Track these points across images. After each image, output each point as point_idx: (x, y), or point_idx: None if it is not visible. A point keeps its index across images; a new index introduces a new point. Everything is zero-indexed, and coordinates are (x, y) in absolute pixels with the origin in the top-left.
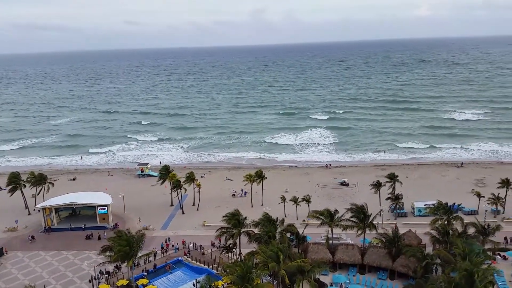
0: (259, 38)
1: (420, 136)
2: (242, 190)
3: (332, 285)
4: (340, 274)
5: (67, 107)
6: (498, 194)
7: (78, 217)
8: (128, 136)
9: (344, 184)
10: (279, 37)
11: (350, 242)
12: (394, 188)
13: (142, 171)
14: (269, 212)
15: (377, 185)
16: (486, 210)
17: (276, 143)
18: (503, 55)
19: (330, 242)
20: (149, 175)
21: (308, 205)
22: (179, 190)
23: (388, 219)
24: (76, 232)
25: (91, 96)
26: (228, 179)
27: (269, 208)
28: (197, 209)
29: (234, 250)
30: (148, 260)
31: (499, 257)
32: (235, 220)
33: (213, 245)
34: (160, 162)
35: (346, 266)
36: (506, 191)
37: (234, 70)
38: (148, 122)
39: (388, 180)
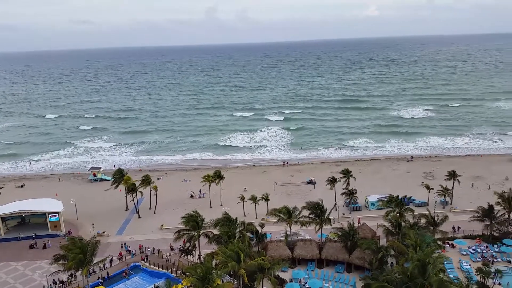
0: (213, 37)
1: (370, 133)
2: (200, 191)
3: (292, 281)
4: (299, 270)
5: (9, 112)
6: (446, 185)
7: (27, 225)
8: (77, 140)
9: (311, 182)
10: (232, 36)
11: (308, 237)
12: (348, 183)
13: (94, 175)
14: (228, 212)
15: (332, 181)
16: (435, 202)
17: (233, 143)
18: (446, 53)
19: (289, 238)
20: (102, 180)
21: (267, 203)
22: (134, 194)
23: (343, 214)
24: (26, 242)
25: (36, 99)
26: (186, 181)
27: (228, 208)
28: (154, 213)
29: (193, 252)
30: (104, 267)
31: (448, 245)
32: (193, 221)
33: (171, 248)
34: (114, 166)
35: (305, 262)
36: (453, 182)
37: (188, 70)
38: (98, 126)
39: (343, 175)
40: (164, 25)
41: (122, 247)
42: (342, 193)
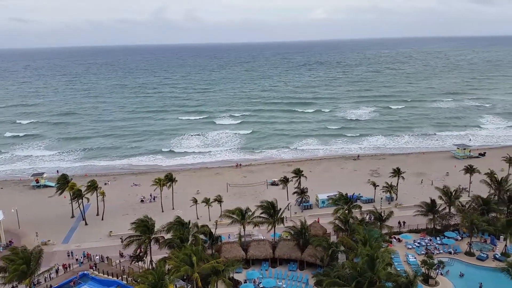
0: (161, 37)
1: (319, 134)
2: (151, 195)
3: (246, 282)
4: (253, 270)
5: None
6: (391, 182)
7: None
8: (13, 147)
9: (274, 184)
10: (181, 36)
11: (262, 237)
12: (299, 183)
13: (37, 181)
14: (180, 215)
15: (284, 181)
16: (381, 198)
17: (184, 145)
18: (389, 55)
19: (243, 239)
20: (46, 186)
21: (220, 205)
22: (80, 200)
23: (295, 212)
24: None
25: None
26: (136, 185)
27: (181, 212)
28: (102, 219)
29: (144, 258)
30: (50, 278)
31: (395, 240)
32: (144, 227)
33: (121, 255)
34: (57, 171)
35: (259, 262)
36: (398, 179)
37: (134, 71)
38: (38, 131)
39: (294, 175)
40: (108, 24)
41: (68, 256)
42: (294, 192)
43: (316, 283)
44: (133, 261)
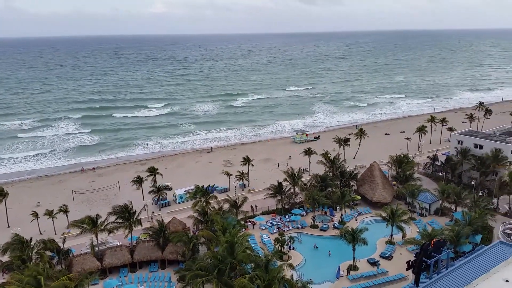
0: None
1: (166, 129)
2: None
3: None
4: (111, 279)
5: None
6: (242, 170)
7: None
8: None
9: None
10: None
11: (118, 243)
12: (155, 181)
13: None
14: (19, 233)
15: (139, 181)
16: (235, 186)
17: (14, 152)
18: (225, 52)
19: (96, 249)
20: None
21: (67, 216)
22: None
23: (153, 212)
24: None
25: None
26: None
27: (19, 229)
28: None
29: None
30: None
31: (250, 223)
32: None
33: None
34: None
35: (117, 269)
36: (248, 167)
37: None
38: None
39: (149, 174)
40: None
41: None
42: (150, 191)
43: (179, 279)
44: None
